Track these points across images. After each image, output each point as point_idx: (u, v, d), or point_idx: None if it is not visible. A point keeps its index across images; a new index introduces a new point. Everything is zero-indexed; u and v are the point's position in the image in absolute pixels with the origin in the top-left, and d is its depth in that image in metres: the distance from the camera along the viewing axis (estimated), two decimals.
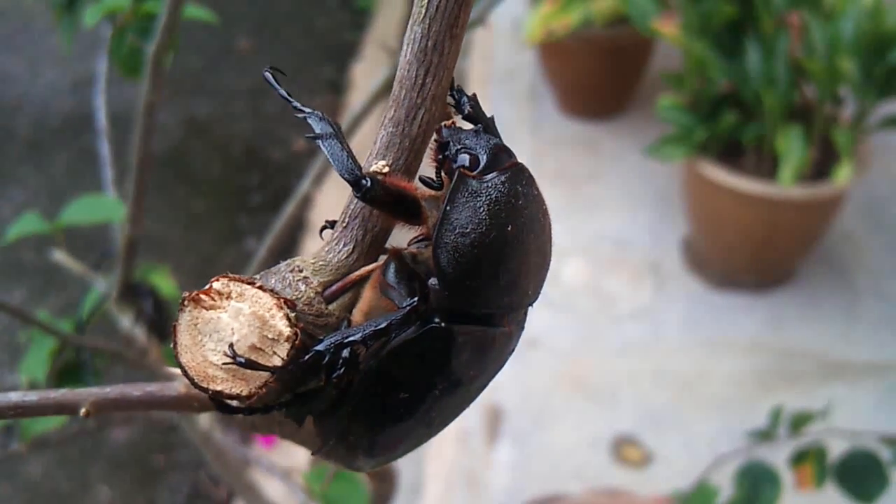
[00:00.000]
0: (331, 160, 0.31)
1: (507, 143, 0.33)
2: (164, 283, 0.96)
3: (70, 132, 2.50)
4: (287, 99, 0.32)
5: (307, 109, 0.32)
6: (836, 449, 1.04)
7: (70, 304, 1.82)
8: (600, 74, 2.31)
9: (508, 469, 1.58)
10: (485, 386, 0.36)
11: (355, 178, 0.31)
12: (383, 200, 0.31)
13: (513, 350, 0.35)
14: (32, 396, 0.36)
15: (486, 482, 1.56)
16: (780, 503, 1.03)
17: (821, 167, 1.73)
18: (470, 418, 1.65)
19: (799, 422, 1.09)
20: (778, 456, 1.09)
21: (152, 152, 0.77)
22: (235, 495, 1.56)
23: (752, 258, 1.88)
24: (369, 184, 0.31)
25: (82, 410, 0.36)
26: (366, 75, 2.61)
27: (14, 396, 0.36)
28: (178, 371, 0.32)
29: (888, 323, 1.81)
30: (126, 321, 0.86)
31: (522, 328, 0.35)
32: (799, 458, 1.05)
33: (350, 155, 0.31)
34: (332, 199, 1.87)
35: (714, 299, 1.88)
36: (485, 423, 1.65)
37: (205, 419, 0.89)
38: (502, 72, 2.57)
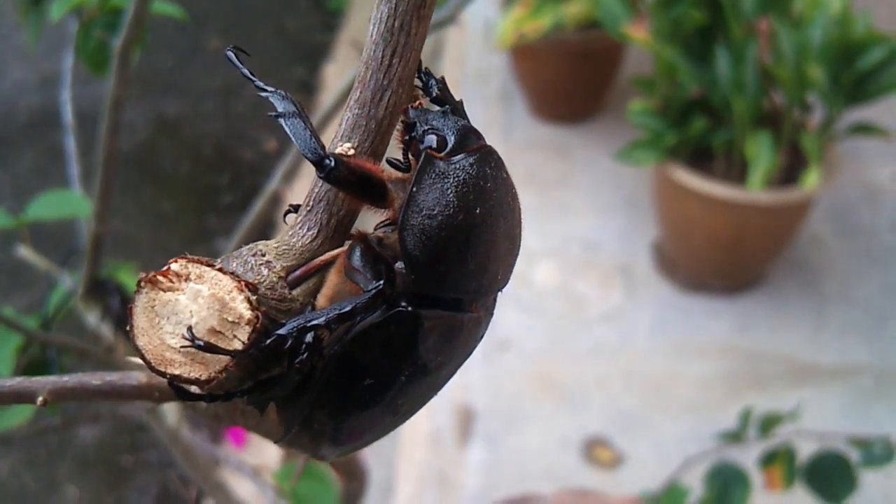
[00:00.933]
0: (293, 139, 0.30)
1: None
2: (132, 280, 0.95)
3: (37, 129, 2.46)
4: (249, 77, 0.31)
5: (270, 88, 0.31)
6: (805, 450, 1.05)
7: (36, 301, 1.79)
8: (572, 78, 2.32)
9: (480, 469, 1.58)
10: (453, 373, 0.35)
11: (318, 158, 0.30)
12: (348, 182, 0.30)
13: (482, 336, 0.35)
14: None
15: (457, 482, 1.56)
16: None
17: (789, 173, 1.75)
18: (441, 419, 1.64)
19: (768, 424, 1.09)
20: (747, 457, 1.10)
21: (120, 149, 0.76)
22: (205, 495, 1.54)
23: (721, 262, 1.89)
24: (333, 163, 0.30)
25: (39, 399, 0.36)
26: (338, 76, 2.60)
27: None
28: (137, 359, 0.31)
29: (855, 327, 1.83)
30: (93, 318, 0.85)
31: (492, 314, 0.35)
32: (768, 460, 1.06)
33: (314, 134, 0.30)
34: (302, 197, 1.86)
35: (684, 303, 1.89)
36: (456, 424, 1.64)
37: (172, 417, 0.88)
38: (474, 74, 2.58)
